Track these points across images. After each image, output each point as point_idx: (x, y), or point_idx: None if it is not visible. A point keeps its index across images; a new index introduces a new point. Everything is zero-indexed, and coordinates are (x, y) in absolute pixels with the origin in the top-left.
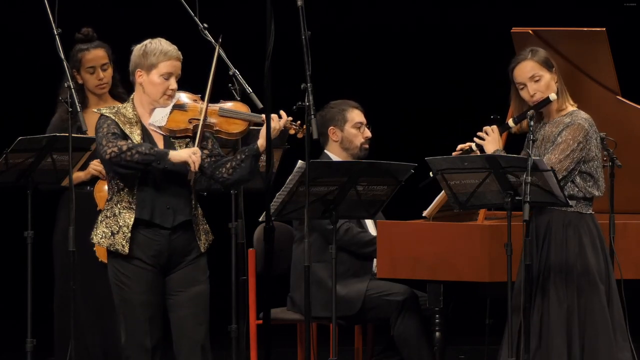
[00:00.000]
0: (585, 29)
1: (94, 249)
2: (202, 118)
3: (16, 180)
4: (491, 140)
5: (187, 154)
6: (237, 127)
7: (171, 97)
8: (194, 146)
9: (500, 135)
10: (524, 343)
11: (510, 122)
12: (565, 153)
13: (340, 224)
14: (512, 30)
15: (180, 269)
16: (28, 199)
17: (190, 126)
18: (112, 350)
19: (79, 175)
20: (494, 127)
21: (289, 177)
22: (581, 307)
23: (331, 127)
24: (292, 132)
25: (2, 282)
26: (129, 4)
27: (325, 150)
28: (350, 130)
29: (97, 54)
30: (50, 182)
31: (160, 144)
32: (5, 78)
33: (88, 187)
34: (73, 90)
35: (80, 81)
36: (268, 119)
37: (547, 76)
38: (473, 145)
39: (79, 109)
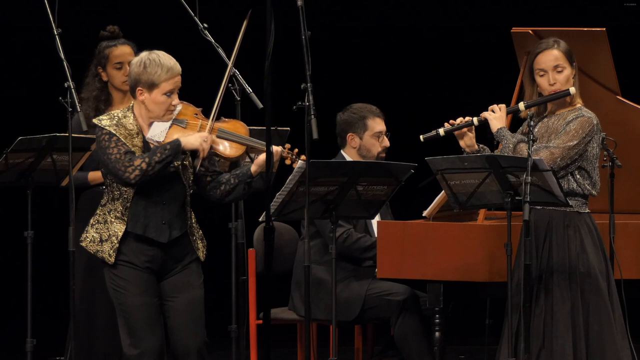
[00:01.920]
0: (585, 29)
1: None
2: (208, 132)
3: (16, 180)
4: (498, 117)
5: (199, 142)
6: (234, 152)
7: (173, 111)
8: (193, 162)
9: (507, 116)
10: (524, 343)
11: (521, 105)
12: (573, 141)
13: (340, 232)
14: (512, 30)
15: (175, 273)
16: (28, 199)
17: None
18: None
19: (100, 176)
20: (502, 105)
21: (289, 177)
22: (585, 306)
23: (350, 134)
24: (288, 162)
25: (2, 282)
26: (129, 4)
27: (342, 152)
28: (369, 140)
29: (124, 50)
30: (50, 182)
31: None
32: (6, 78)
33: (102, 187)
34: (73, 90)
35: (105, 78)
36: (268, 119)
37: (568, 69)
38: (475, 119)
39: (78, 109)
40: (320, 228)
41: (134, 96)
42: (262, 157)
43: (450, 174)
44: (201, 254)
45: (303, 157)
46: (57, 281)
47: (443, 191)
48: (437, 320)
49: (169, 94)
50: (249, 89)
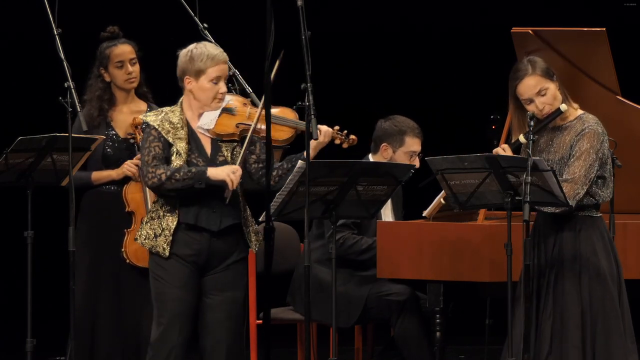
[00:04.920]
0: (585, 29)
1: (122, 250)
2: (253, 124)
3: (16, 180)
4: None
5: (226, 173)
6: (283, 134)
7: (222, 100)
8: (241, 150)
9: (512, 151)
10: (524, 343)
11: (522, 138)
12: (588, 163)
13: (337, 237)
14: (512, 30)
15: (220, 271)
16: (28, 199)
17: (237, 130)
18: (132, 352)
19: (110, 174)
20: (505, 146)
21: (289, 177)
22: (593, 310)
23: (385, 144)
24: (337, 142)
25: (2, 282)
26: (129, 4)
27: (370, 156)
28: (402, 156)
29: (124, 49)
30: (50, 182)
31: (208, 147)
32: (6, 78)
33: (113, 187)
34: (73, 90)
35: (108, 79)
36: (268, 119)
37: (552, 87)
38: None
39: (78, 109)
40: (325, 228)
41: (182, 87)
42: (319, 140)
43: (450, 174)
44: (254, 246)
45: (353, 136)
46: (57, 281)
47: (443, 191)
48: (437, 320)
49: (215, 81)
50: (249, 89)
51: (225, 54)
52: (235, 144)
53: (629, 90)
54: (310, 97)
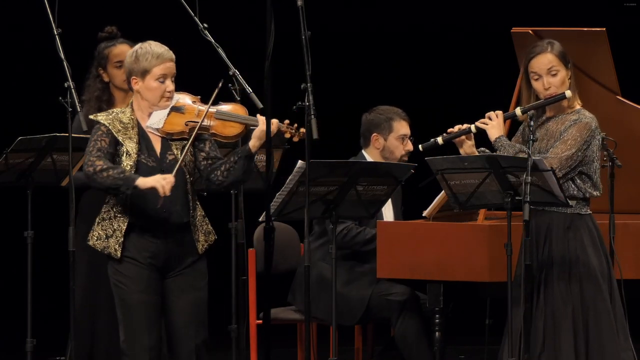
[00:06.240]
0: (585, 29)
1: None
2: (199, 122)
3: (16, 180)
4: (495, 125)
5: (156, 180)
6: (233, 130)
7: (170, 98)
8: (186, 147)
9: (504, 122)
10: (524, 343)
11: (518, 110)
12: (572, 150)
13: (340, 229)
14: (512, 30)
15: (178, 274)
16: (28, 199)
17: (187, 128)
18: None
19: None
20: (499, 112)
21: (289, 177)
22: (585, 308)
23: (375, 134)
24: (287, 135)
25: (2, 282)
26: (129, 4)
27: (364, 152)
28: (394, 142)
29: (123, 49)
30: (50, 182)
31: (158, 146)
32: (6, 78)
33: None
34: (73, 90)
35: (106, 79)
36: (268, 120)
37: (563, 72)
38: (472, 127)
39: (78, 109)
40: (327, 225)
41: (130, 88)
42: (261, 128)
43: (450, 174)
44: (200, 247)
45: (303, 129)
46: (57, 281)
47: (443, 191)
48: (437, 320)
49: (161, 79)
50: (249, 89)
51: (171, 52)
52: (185, 141)
53: (629, 90)
54: (310, 97)
